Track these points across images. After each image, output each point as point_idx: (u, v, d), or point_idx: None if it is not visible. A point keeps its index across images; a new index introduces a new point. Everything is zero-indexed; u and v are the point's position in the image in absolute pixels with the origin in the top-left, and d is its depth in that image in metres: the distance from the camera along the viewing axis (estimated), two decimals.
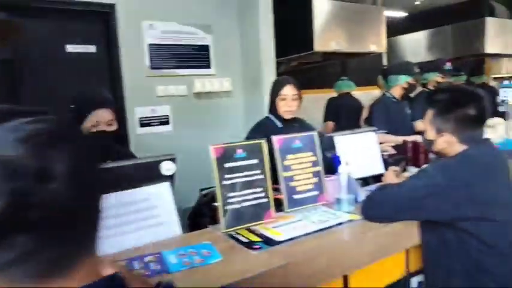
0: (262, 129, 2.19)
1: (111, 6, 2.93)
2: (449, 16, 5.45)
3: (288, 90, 2.18)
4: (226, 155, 1.42)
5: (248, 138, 2.20)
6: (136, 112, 3.09)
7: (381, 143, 2.91)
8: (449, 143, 1.42)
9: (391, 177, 1.72)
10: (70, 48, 2.94)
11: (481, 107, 1.38)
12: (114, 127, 1.78)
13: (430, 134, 1.47)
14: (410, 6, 5.57)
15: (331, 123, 3.99)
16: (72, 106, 1.77)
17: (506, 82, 2.40)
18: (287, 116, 2.22)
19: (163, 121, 3.24)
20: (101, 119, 1.72)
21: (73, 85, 2.91)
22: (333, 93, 4.43)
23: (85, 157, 0.53)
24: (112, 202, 1.37)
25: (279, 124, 2.25)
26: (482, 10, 5.00)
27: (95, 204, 0.54)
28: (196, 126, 3.35)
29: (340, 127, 3.75)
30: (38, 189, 0.45)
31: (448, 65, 3.28)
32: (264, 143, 1.50)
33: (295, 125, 2.27)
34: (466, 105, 1.38)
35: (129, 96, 3.05)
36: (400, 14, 5.92)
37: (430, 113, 1.47)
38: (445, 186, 1.29)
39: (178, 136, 3.27)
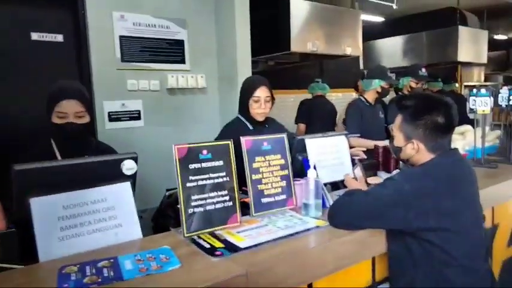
0: (233, 131, 2.11)
1: None
2: (424, 23, 5.56)
3: (262, 92, 2.12)
4: (190, 156, 1.36)
5: (217, 140, 2.13)
6: (105, 106, 2.97)
7: (353, 147, 2.92)
8: (417, 151, 1.40)
9: (352, 182, 1.71)
10: (35, 36, 2.79)
11: (450, 114, 1.38)
12: (85, 119, 1.74)
13: (399, 141, 1.46)
14: (387, 12, 5.63)
15: (302, 126, 3.97)
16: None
17: (475, 90, 2.43)
18: (260, 118, 2.17)
19: (134, 116, 3.14)
20: (67, 110, 1.68)
21: (38, 75, 2.78)
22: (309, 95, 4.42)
23: None
24: (67, 202, 1.29)
25: (250, 126, 2.19)
26: (455, 19, 5.12)
27: None
28: (168, 122, 3.27)
29: (313, 129, 3.74)
30: None
31: (423, 71, 3.30)
32: (230, 144, 1.45)
33: (266, 125, 2.24)
34: (436, 112, 1.37)
35: (97, 89, 2.93)
36: (377, 18, 6.00)
37: (399, 119, 1.46)
38: (411, 196, 1.28)
39: (149, 132, 3.17)
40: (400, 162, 2.21)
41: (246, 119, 2.20)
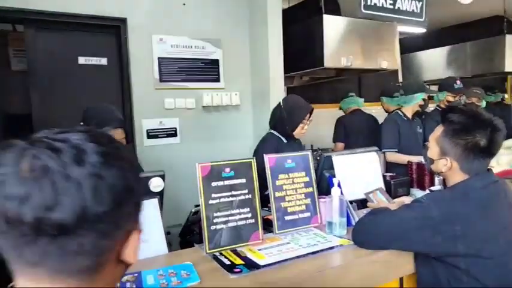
0: (271, 145, 2.24)
1: (123, 20, 2.99)
2: (468, 33, 5.32)
3: (309, 116, 2.30)
4: (213, 174, 1.40)
5: (257, 152, 2.21)
6: (144, 124, 3.12)
7: (390, 162, 2.85)
8: (449, 169, 1.34)
9: (374, 204, 1.67)
10: (82, 60, 3.01)
11: (494, 139, 1.28)
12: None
13: (433, 153, 1.40)
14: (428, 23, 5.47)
15: (340, 145, 3.75)
16: (81, 123, 1.83)
17: None
18: (300, 137, 2.34)
19: (171, 133, 3.26)
20: None
21: (84, 96, 2.98)
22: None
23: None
24: None
25: (284, 140, 2.30)
26: (502, 27, 4.85)
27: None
28: (203, 139, 3.36)
29: (353, 146, 3.56)
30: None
31: (458, 83, 3.19)
32: (253, 162, 1.47)
33: (296, 141, 2.33)
34: (480, 134, 1.27)
35: (137, 108, 3.09)
36: (418, 30, 5.81)
37: (439, 131, 1.38)
38: (438, 220, 1.22)
39: (185, 148, 3.28)
40: (436, 179, 2.14)
41: (280, 134, 2.29)
